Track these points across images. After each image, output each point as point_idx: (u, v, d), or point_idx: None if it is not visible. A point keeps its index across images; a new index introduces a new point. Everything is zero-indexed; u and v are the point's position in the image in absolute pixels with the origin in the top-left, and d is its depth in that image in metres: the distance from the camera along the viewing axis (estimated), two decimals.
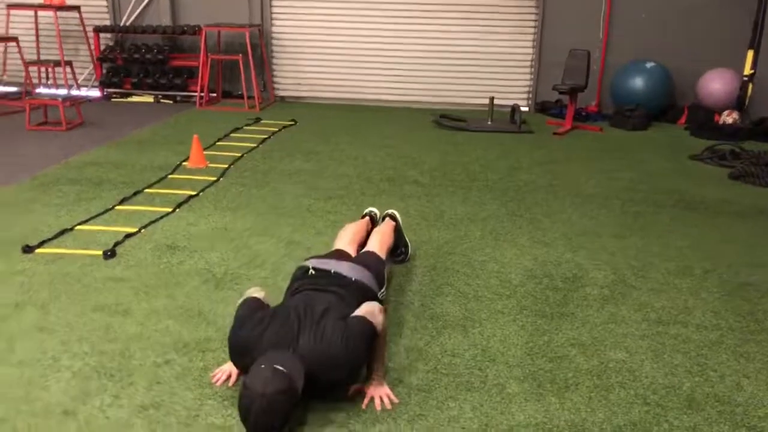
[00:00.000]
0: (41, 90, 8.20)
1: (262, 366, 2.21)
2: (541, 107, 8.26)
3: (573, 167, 5.76)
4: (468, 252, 3.86)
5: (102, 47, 8.46)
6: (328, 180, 5.18)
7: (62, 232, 3.95)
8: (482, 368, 2.70)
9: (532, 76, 8.25)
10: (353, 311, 2.52)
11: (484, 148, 6.33)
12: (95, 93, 8.48)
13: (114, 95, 8.44)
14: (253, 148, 6.06)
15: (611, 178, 5.46)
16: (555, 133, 7.06)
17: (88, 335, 2.86)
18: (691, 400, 2.53)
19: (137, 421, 2.32)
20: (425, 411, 2.43)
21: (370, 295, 2.77)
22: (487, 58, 8.22)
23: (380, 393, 2.48)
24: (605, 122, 7.64)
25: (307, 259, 2.95)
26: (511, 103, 7.60)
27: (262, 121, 7.18)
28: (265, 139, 6.41)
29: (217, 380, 2.55)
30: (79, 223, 4.10)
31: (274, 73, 8.57)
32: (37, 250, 3.69)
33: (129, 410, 2.37)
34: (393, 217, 3.69)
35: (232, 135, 6.51)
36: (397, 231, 3.66)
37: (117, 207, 4.42)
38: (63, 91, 8.06)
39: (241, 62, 7.82)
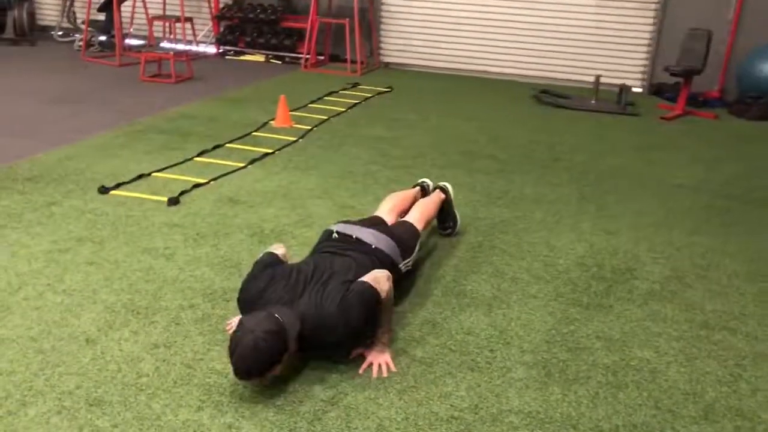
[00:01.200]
0: (164, 44, 8.70)
1: (261, 311, 2.32)
2: (657, 89, 7.77)
3: (669, 154, 5.40)
4: (521, 233, 3.75)
5: (221, 5, 8.83)
6: (403, 149, 5.17)
7: (139, 177, 4.23)
8: (493, 349, 2.64)
9: (649, 56, 7.76)
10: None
11: (578, 128, 6.06)
12: (212, 50, 8.89)
13: (228, 53, 8.81)
14: (341, 112, 6.14)
15: (709, 169, 5.08)
16: (662, 118, 6.63)
17: (130, 274, 3.06)
18: (708, 411, 2.35)
19: (146, 356, 2.48)
20: (419, 384, 2.41)
21: (388, 263, 2.77)
22: (601, 33, 7.81)
23: (380, 360, 2.49)
24: (724, 109, 7.07)
25: (337, 223, 2.99)
26: (623, 82, 7.21)
27: (359, 86, 7.25)
28: (356, 104, 6.48)
29: (230, 328, 2.66)
30: (157, 171, 4.36)
31: (381, 38, 8.60)
32: (112, 192, 3.97)
33: (142, 346, 2.54)
34: (444, 190, 3.65)
35: (326, 98, 6.63)
36: (447, 204, 3.62)
37: (195, 158, 4.65)
38: (182, 46, 8.51)
39: (347, 26, 7.90)
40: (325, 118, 5.88)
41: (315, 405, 2.27)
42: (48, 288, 2.90)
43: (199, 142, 5.03)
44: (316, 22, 8.04)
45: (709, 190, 4.60)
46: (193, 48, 8.74)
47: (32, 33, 9.15)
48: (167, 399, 2.26)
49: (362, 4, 8.20)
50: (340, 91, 6.95)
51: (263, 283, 2.48)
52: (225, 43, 8.75)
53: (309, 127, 5.55)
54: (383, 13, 8.50)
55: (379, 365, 2.48)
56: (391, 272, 2.74)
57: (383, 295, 2.47)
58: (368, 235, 2.84)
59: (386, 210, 3.32)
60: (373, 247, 2.79)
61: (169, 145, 4.94)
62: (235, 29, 8.72)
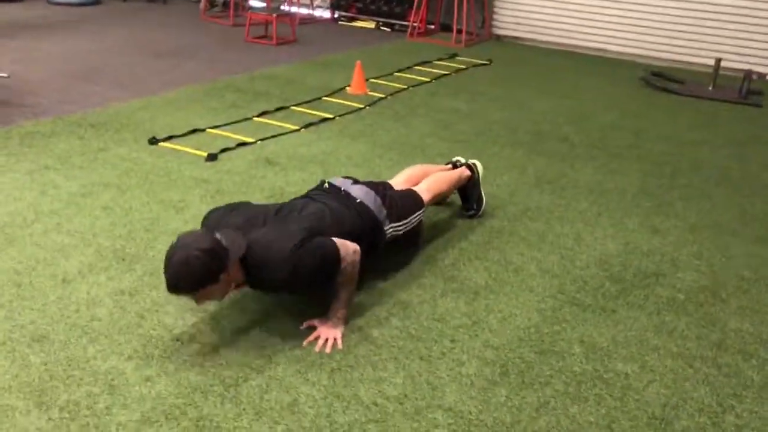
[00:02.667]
0: (284, 7, 8.91)
1: (202, 230, 2.35)
2: None
3: None
4: (553, 222, 3.47)
5: None
6: (471, 124, 4.95)
7: (192, 131, 4.36)
8: (455, 340, 2.47)
9: None
10: (338, 231, 2.48)
11: (679, 116, 5.50)
12: (327, 14, 8.98)
13: (341, 18, 8.86)
14: (425, 82, 5.97)
15: None
16: None
17: (135, 222, 3.17)
18: None
19: (108, 301, 2.56)
20: (358, 365, 2.31)
21: (370, 221, 2.69)
22: (731, 12, 6.98)
23: (329, 335, 2.41)
24: None
25: (335, 177, 2.97)
26: (750, 68, 6.44)
27: (456, 58, 7.02)
28: (445, 75, 6.28)
29: None
30: (212, 127, 4.47)
31: (495, 10, 8.25)
32: (161, 143, 4.13)
33: (108, 291, 2.62)
34: (471, 168, 3.45)
35: (416, 67, 6.47)
36: (472, 183, 3.42)
37: (255, 118, 4.72)
38: (299, 9, 8.66)
39: None
40: (405, 87, 5.75)
41: (240, 371, 2.24)
42: (56, 227, 3.07)
43: (268, 102, 5.10)
44: None
45: None
46: (310, 12, 8.86)
47: None
48: (105, 345, 2.32)
49: None
50: (434, 62, 6.76)
51: (224, 211, 2.52)
52: (339, 8, 8.81)
53: (383, 95, 5.46)
54: None
55: (326, 340, 2.40)
56: (374, 232, 2.70)
57: (344, 262, 2.38)
58: (357, 190, 2.79)
59: (401, 179, 3.22)
60: (358, 201, 2.72)
61: (238, 103, 5.06)
62: None
